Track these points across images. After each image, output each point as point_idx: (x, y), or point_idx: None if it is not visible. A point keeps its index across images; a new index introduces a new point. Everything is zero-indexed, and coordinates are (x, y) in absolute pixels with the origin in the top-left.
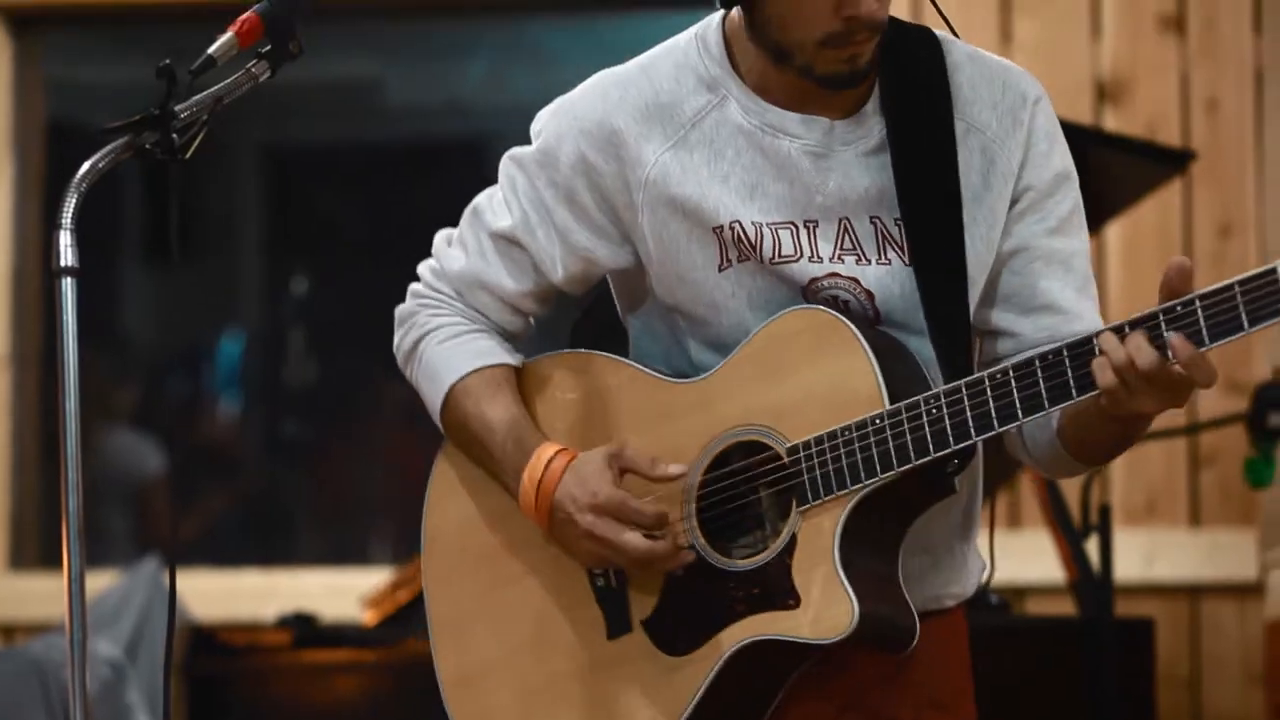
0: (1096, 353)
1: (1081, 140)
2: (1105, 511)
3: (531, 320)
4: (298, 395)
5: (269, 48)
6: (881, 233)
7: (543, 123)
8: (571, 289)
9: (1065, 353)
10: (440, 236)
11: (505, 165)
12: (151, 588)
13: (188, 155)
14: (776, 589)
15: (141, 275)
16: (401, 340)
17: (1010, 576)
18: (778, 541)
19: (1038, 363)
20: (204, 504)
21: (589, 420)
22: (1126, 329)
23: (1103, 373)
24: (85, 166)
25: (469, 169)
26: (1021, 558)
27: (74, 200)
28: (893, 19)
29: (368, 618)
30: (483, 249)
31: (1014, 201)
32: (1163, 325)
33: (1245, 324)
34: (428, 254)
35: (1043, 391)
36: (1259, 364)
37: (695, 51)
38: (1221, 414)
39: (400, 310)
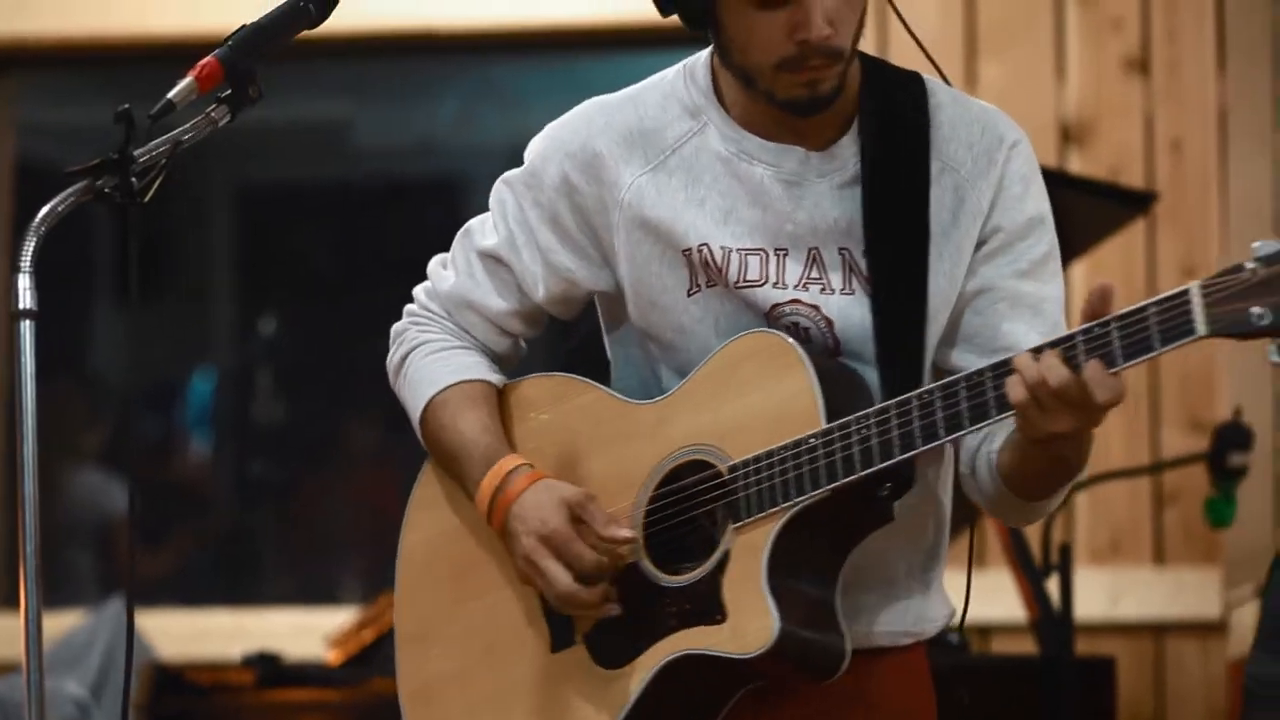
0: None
1: (1045, 182)
2: (1066, 550)
3: (521, 343)
4: (267, 434)
5: (229, 92)
6: (849, 264)
7: (533, 147)
8: (554, 310)
9: (987, 373)
10: (435, 260)
11: (496, 187)
12: (118, 627)
13: (146, 199)
14: (706, 605)
15: (112, 314)
16: (392, 356)
17: (973, 615)
18: (712, 558)
19: (962, 383)
20: (173, 543)
21: (556, 440)
22: (1045, 350)
23: (1015, 390)
24: (44, 210)
25: (439, 209)
26: (984, 597)
27: (33, 243)
28: (883, 62)
29: (332, 657)
30: (471, 268)
31: (982, 242)
32: (1079, 346)
33: (1157, 344)
34: (398, 293)
35: (964, 410)
36: (1220, 404)
37: (682, 82)
38: (1184, 453)
39: (394, 328)
